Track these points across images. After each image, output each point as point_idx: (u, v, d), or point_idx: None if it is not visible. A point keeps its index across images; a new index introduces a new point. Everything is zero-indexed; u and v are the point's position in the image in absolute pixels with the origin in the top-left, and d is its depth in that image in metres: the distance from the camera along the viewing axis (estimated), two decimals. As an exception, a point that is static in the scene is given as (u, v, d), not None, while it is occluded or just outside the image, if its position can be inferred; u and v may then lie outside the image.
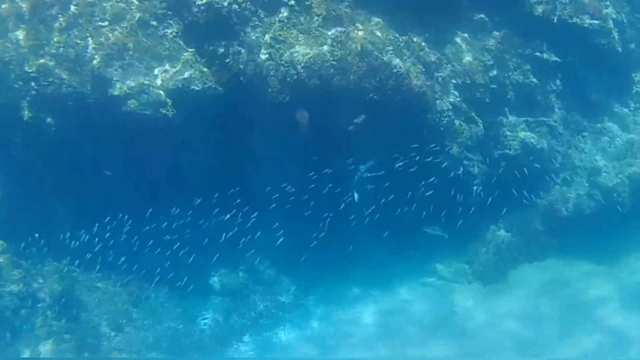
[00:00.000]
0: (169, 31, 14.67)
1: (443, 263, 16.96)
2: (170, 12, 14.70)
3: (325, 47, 14.19)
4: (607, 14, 16.65)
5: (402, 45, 14.87)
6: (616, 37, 16.81)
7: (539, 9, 16.33)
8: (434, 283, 16.75)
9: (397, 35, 14.90)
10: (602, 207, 16.42)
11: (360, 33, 14.50)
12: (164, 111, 14.35)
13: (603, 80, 17.41)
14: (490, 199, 15.97)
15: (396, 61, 14.42)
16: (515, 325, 15.56)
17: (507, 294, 16.35)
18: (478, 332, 15.61)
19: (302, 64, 14.05)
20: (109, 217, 15.21)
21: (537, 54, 16.52)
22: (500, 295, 16.35)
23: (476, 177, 16.00)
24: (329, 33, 14.40)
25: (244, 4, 14.47)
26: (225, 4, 14.37)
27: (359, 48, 14.27)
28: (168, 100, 14.35)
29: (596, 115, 17.53)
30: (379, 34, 14.59)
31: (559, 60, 16.67)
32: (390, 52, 14.49)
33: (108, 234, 15.39)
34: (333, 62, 14.11)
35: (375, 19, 14.89)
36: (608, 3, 16.95)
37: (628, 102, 17.79)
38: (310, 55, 14.09)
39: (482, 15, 16.29)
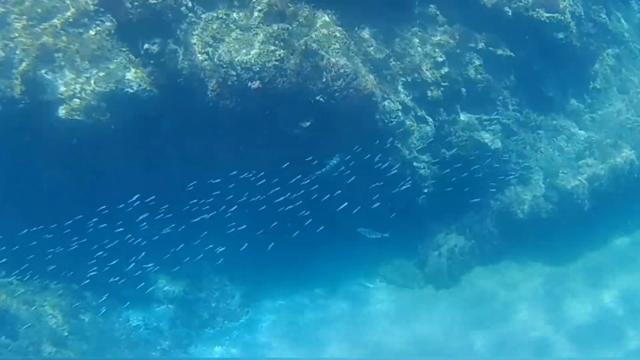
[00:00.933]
0: (102, 29, 13.59)
1: (392, 266, 16.24)
2: (102, 9, 13.61)
3: (267, 47, 13.17)
4: (564, 6, 15.70)
5: (349, 42, 13.89)
6: (574, 30, 15.93)
7: (491, 1, 15.45)
8: (383, 287, 16.05)
9: (344, 31, 13.89)
10: (560, 210, 15.69)
11: (304, 30, 13.54)
12: (97, 116, 13.27)
13: (559, 76, 16.55)
14: (441, 201, 15.27)
15: (343, 61, 13.42)
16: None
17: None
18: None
19: (242, 65, 13.05)
20: (42, 226, 14.14)
21: (491, 48, 15.58)
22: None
23: (426, 179, 15.17)
24: (271, 31, 13.37)
25: (180, -1, 13.51)
26: (160, -1, 13.40)
27: (303, 47, 13.28)
28: (102, 104, 13.27)
29: (551, 111, 16.64)
30: (324, 30, 13.58)
31: (513, 55, 15.76)
32: (337, 50, 13.48)
33: (45, 243, 14.34)
34: (275, 63, 13.08)
35: (320, 14, 13.86)
36: (565, -5, 16.04)
37: (584, 98, 16.95)
38: (250, 56, 13.08)
39: (433, 7, 15.37)
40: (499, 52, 15.64)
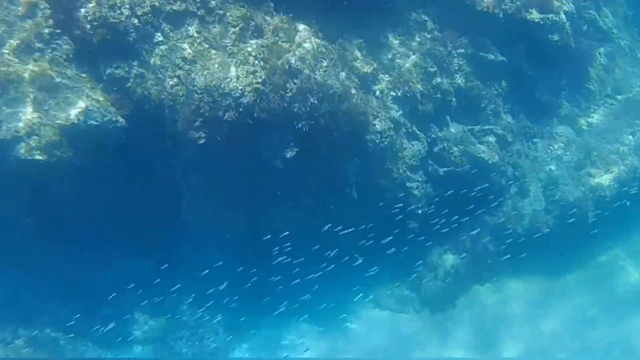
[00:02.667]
0: (59, 54, 11.82)
1: (385, 291, 14.78)
2: (58, 31, 11.84)
3: (246, 68, 11.51)
4: (558, 6, 14.27)
5: (334, 57, 12.26)
6: (569, 31, 14.51)
7: (483, 3, 14.00)
8: (378, 314, 14.63)
9: (328, 44, 12.31)
10: (562, 223, 14.49)
11: (285, 46, 11.92)
12: (59, 153, 11.53)
13: (553, 79, 15.25)
14: (436, 220, 13.82)
15: (331, 80, 11.82)
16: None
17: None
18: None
19: (220, 90, 11.41)
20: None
21: (482, 53, 14.16)
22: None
23: (420, 199, 13.73)
24: (249, 49, 11.74)
25: (145, 16, 11.72)
26: (122, 17, 11.62)
27: (285, 66, 11.63)
28: (63, 139, 11.54)
29: (546, 117, 15.35)
30: (307, 45, 11.97)
31: (505, 60, 14.33)
32: (324, 69, 11.88)
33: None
34: (257, 86, 11.41)
35: (301, 26, 12.21)
36: (558, -8, 14.59)
37: (579, 101, 15.65)
38: (228, 79, 11.41)
39: (420, 12, 13.85)
40: (490, 57, 14.22)
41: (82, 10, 11.58)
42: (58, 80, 11.66)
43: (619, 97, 15.89)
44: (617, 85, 15.98)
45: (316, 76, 11.69)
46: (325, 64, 11.90)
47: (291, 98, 11.51)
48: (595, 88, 15.77)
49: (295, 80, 11.56)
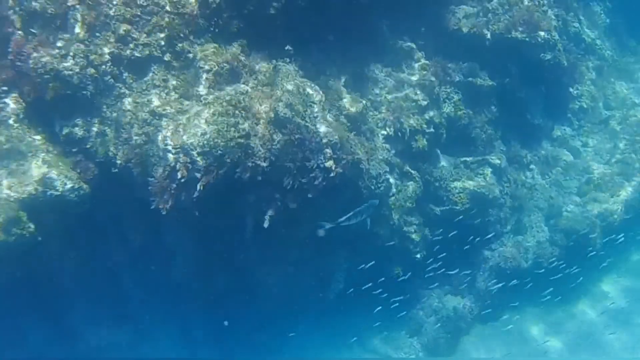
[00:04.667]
0: (8, 114, 9.95)
1: (383, 338, 13.29)
2: (5, 88, 9.98)
3: (226, 119, 9.68)
4: (548, 24, 12.90)
5: (323, 100, 10.52)
6: (561, 49, 13.25)
7: (467, 25, 12.67)
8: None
9: (313, 84, 10.61)
10: (569, 253, 13.27)
11: (266, 90, 10.25)
12: (18, 231, 9.58)
13: (543, 100, 13.94)
14: (432, 261, 12.43)
15: (324, 128, 10.11)
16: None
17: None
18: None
19: (198, 149, 9.60)
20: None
21: (470, 79, 12.77)
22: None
23: (418, 244, 12.32)
24: (227, 97, 9.95)
25: (103, 66, 9.92)
26: (77, 68, 9.81)
27: (271, 114, 9.91)
28: (21, 214, 9.59)
29: (539, 140, 14.12)
30: (290, 87, 10.23)
31: (495, 84, 12.97)
32: (316, 114, 10.19)
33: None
34: (240, 140, 9.62)
35: (281, 64, 10.57)
36: (546, 9, 13.21)
37: (571, 121, 14.48)
38: (208, 135, 9.56)
39: (406, 40, 12.38)
40: (479, 81, 12.82)
41: (31, 62, 9.78)
42: (8, 145, 9.78)
43: (611, 112, 14.78)
44: (608, 101, 14.86)
45: (308, 124, 9.98)
46: (316, 109, 10.25)
47: (280, 151, 9.83)
48: (588, 105, 14.60)
49: (284, 130, 9.85)
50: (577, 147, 14.35)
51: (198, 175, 9.54)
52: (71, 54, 9.80)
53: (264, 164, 9.72)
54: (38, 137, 10.02)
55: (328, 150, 10.00)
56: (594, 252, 13.25)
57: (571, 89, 14.43)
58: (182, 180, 9.57)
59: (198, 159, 9.50)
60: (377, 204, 10.88)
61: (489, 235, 12.88)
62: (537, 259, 13.23)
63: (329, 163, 9.98)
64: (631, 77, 15.91)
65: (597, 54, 15.28)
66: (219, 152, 9.51)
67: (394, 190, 11.69)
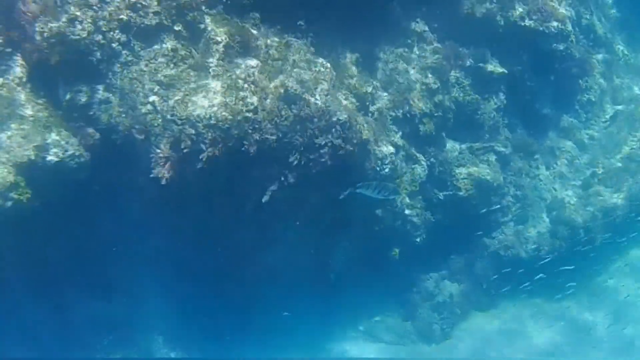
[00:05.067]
0: (10, 78, 9.62)
1: (377, 322, 13.17)
2: (8, 50, 9.65)
3: (235, 93, 9.46)
4: (563, 15, 12.76)
5: (333, 76, 10.32)
6: (574, 40, 13.09)
7: (481, 10, 12.44)
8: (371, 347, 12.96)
9: (325, 61, 10.42)
10: (569, 245, 13.14)
11: (277, 65, 9.99)
12: (15, 196, 9.36)
13: (553, 90, 13.73)
14: (432, 246, 12.38)
15: (334, 106, 9.88)
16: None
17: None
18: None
19: (204, 121, 9.41)
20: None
21: (481, 64, 12.59)
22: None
23: (419, 227, 12.16)
24: (238, 71, 9.78)
25: (111, 32, 9.66)
26: (84, 33, 9.55)
27: (280, 90, 9.71)
28: (19, 179, 9.33)
29: (546, 131, 13.88)
30: (303, 64, 10.06)
31: (506, 72, 12.77)
32: (325, 92, 9.94)
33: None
34: (247, 115, 9.43)
35: (292, 40, 10.35)
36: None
37: (579, 112, 14.27)
38: (215, 107, 9.37)
39: (419, 22, 12.14)
40: (489, 68, 12.68)
41: (37, 25, 9.50)
42: (9, 109, 9.45)
43: (619, 107, 14.62)
44: (617, 94, 14.69)
45: (317, 101, 9.80)
46: (326, 86, 10.03)
47: (288, 128, 9.64)
48: (596, 98, 14.41)
49: (293, 106, 9.66)
50: (583, 139, 14.18)
51: (203, 147, 9.34)
52: (79, 18, 9.54)
53: (272, 138, 9.53)
54: (40, 102, 9.73)
55: (337, 129, 9.82)
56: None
57: (580, 81, 14.17)
58: (186, 151, 9.39)
59: (204, 131, 9.30)
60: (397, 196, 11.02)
61: (491, 223, 12.82)
62: (537, 249, 13.09)
63: (337, 141, 9.80)
64: (641, 72, 15.79)
65: (608, 48, 15.03)
66: (226, 125, 9.30)
67: (399, 172, 11.48)
